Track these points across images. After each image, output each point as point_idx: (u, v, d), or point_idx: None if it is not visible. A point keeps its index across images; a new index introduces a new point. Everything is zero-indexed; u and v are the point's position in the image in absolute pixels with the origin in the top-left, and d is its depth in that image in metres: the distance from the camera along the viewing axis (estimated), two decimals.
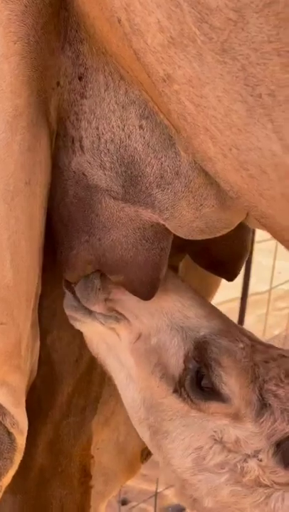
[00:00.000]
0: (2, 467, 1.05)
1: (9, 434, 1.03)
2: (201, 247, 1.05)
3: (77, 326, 1.11)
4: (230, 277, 1.23)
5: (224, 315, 1.10)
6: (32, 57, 0.79)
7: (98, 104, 0.86)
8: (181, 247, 1.06)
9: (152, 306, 1.05)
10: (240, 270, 1.23)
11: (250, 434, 0.98)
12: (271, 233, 0.86)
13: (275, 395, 0.98)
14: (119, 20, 0.72)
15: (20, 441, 1.05)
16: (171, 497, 2.84)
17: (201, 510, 1.05)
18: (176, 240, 0.99)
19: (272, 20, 0.59)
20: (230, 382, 0.99)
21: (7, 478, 1.08)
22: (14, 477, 1.31)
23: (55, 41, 0.83)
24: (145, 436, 1.10)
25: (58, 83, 0.86)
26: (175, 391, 1.02)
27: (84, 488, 1.42)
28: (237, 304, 2.81)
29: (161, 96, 0.76)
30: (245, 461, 0.98)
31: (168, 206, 0.89)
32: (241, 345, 1.02)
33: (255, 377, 0.99)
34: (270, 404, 0.98)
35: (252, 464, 0.97)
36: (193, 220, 0.91)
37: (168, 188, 0.88)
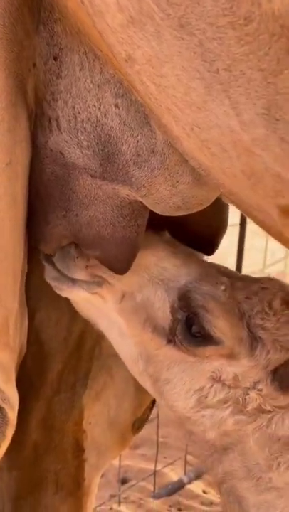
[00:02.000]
0: None
1: (0, 409, 1.05)
2: (180, 223, 1.07)
3: (64, 294, 1.13)
4: (209, 252, 1.25)
5: (200, 259, 1.14)
6: (8, 38, 0.80)
7: (74, 84, 0.87)
8: (160, 223, 1.08)
9: None
10: (218, 244, 1.25)
11: (247, 369, 1.03)
12: (241, 210, 0.87)
13: (264, 328, 1.03)
14: (82, 1, 0.73)
15: (12, 415, 1.07)
16: (170, 475, 2.89)
17: (198, 442, 1.10)
18: (155, 216, 1.01)
19: None
20: (220, 324, 1.03)
21: (0, 452, 1.10)
22: (9, 454, 1.34)
23: (29, 22, 0.84)
24: (147, 385, 1.14)
25: (34, 64, 0.87)
26: (168, 342, 1.06)
27: (77, 462, 1.45)
28: None
29: (127, 76, 0.77)
30: (246, 393, 1.03)
31: (145, 183, 0.91)
32: (222, 287, 1.05)
33: (242, 315, 1.04)
34: (260, 337, 1.02)
35: (252, 395, 1.03)
36: (170, 196, 0.92)
37: (144, 166, 0.89)
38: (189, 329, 1.04)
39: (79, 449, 1.44)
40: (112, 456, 1.55)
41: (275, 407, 1.02)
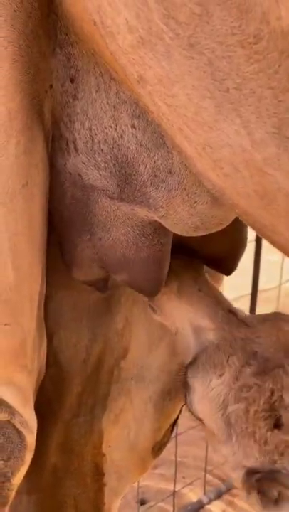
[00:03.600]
0: (13, 466, 1.07)
1: (19, 433, 1.04)
2: (198, 243, 1.07)
3: None
4: (228, 272, 1.25)
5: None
6: (23, 61, 0.80)
7: (90, 105, 0.87)
8: (178, 243, 1.08)
9: None
10: (237, 265, 1.24)
11: None
12: (255, 231, 0.86)
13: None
14: (95, 23, 0.73)
15: (30, 439, 1.06)
16: (189, 495, 2.85)
17: None
18: (173, 236, 1.01)
19: (235, 12, 0.59)
20: None
21: (18, 477, 1.09)
22: (28, 477, 1.33)
23: (45, 45, 0.84)
24: None
25: (51, 86, 0.88)
26: None
27: (97, 486, 1.43)
28: (247, 301, 2.82)
29: (140, 97, 0.77)
30: None
31: (163, 204, 0.90)
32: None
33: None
34: None
35: None
36: (188, 217, 0.92)
37: (162, 186, 0.89)
38: None
39: (98, 473, 1.42)
40: (132, 480, 1.54)
41: None
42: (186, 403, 1.09)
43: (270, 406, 0.98)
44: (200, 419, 1.07)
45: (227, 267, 1.23)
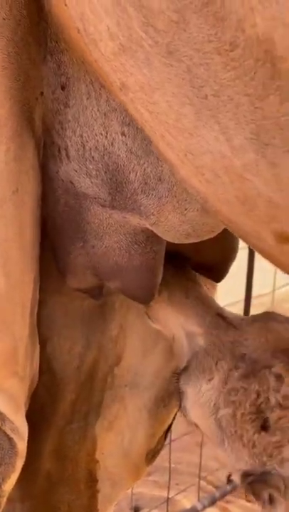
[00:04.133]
0: (4, 472, 1.06)
1: (9, 439, 1.04)
2: (190, 250, 1.07)
3: None
4: (218, 279, 1.25)
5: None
6: (13, 68, 0.80)
7: (81, 113, 0.87)
8: (173, 251, 1.07)
9: None
10: (227, 271, 1.24)
11: None
12: (239, 237, 0.86)
13: None
14: (79, 30, 0.73)
15: (21, 446, 1.06)
16: (183, 502, 2.85)
17: None
18: (168, 244, 1.01)
19: (211, 19, 0.59)
20: None
21: (9, 484, 1.09)
22: (21, 484, 1.32)
23: (36, 52, 0.84)
24: None
25: (42, 93, 0.87)
26: None
27: (91, 493, 1.43)
28: (241, 307, 2.82)
29: (124, 105, 0.77)
30: None
31: (154, 211, 0.90)
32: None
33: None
34: None
35: None
36: (179, 224, 0.92)
37: (152, 194, 0.89)
38: None
39: (92, 480, 1.42)
40: (126, 487, 1.53)
41: None
42: (180, 409, 1.10)
43: (257, 408, 0.98)
44: (195, 425, 1.07)
45: (218, 273, 1.23)
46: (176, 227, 0.92)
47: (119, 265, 1.01)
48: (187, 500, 2.89)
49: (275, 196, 0.69)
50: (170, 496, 2.72)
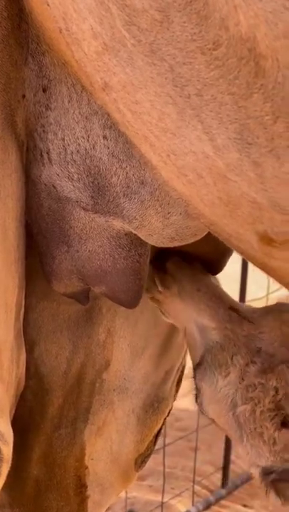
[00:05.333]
0: None
1: None
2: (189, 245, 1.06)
3: None
4: (215, 272, 1.23)
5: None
6: None
7: (63, 116, 0.86)
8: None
9: None
10: (225, 264, 1.23)
11: None
12: (223, 240, 0.85)
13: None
14: (60, 30, 0.72)
15: (6, 451, 1.05)
16: (177, 506, 2.84)
17: None
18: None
19: (194, 18, 0.59)
20: None
21: None
22: (10, 491, 1.32)
23: (17, 54, 0.84)
24: None
25: (24, 96, 0.87)
26: None
27: (80, 499, 1.42)
28: None
29: (105, 106, 0.76)
30: None
31: (136, 215, 0.90)
32: None
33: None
34: None
35: None
36: (162, 228, 0.91)
37: (135, 198, 0.88)
38: None
39: (81, 485, 1.41)
40: (116, 493, 1.52)
41: None
42: (196, 404, 1.08)
43: (276, 405, 0.97)
44: (212, 420, 1.06)
45: (215, 266, 1.21)
46: (159, 231, 0.92)
47: (103, 269, 1.00)
48: (182, 505, 2.89)
49: (259, 197, 0.68)
50: (165, 501, 2.71)
